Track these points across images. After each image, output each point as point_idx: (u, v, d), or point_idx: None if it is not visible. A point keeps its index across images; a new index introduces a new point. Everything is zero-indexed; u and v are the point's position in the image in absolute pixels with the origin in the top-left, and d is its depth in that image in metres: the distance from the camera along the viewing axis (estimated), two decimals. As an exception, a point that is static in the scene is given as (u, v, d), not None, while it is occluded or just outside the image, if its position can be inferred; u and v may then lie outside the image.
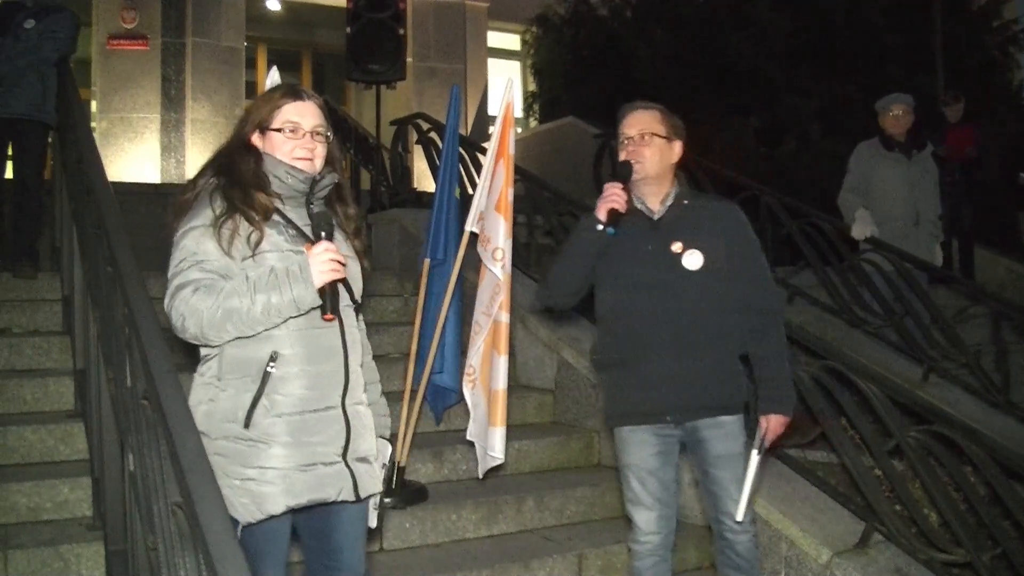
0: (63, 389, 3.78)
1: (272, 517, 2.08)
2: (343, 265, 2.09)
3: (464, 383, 3.70)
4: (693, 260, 2.68)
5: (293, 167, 2.18)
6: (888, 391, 3.49)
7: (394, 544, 3.41)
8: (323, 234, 2.09)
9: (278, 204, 2.17)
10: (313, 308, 2.08)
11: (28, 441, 3.44)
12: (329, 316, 2.07)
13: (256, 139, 2.21)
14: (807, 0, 9.30)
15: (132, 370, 2.33)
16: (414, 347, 3.82)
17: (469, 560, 3.32)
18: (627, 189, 2.71)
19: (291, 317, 2.08)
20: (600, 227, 2.65)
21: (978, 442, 3.28)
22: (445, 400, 3.93)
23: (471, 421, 3.62)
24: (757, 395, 2.83)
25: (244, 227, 2.09)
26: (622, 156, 2.75)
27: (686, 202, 2.78)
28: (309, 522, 2.23)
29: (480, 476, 3.58)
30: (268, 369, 2.07)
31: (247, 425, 2.05)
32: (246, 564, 1.52)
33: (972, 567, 3.23)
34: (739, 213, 2.84)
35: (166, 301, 2.07)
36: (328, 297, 2.06)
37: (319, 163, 2.22)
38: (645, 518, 2.73)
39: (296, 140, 2.19)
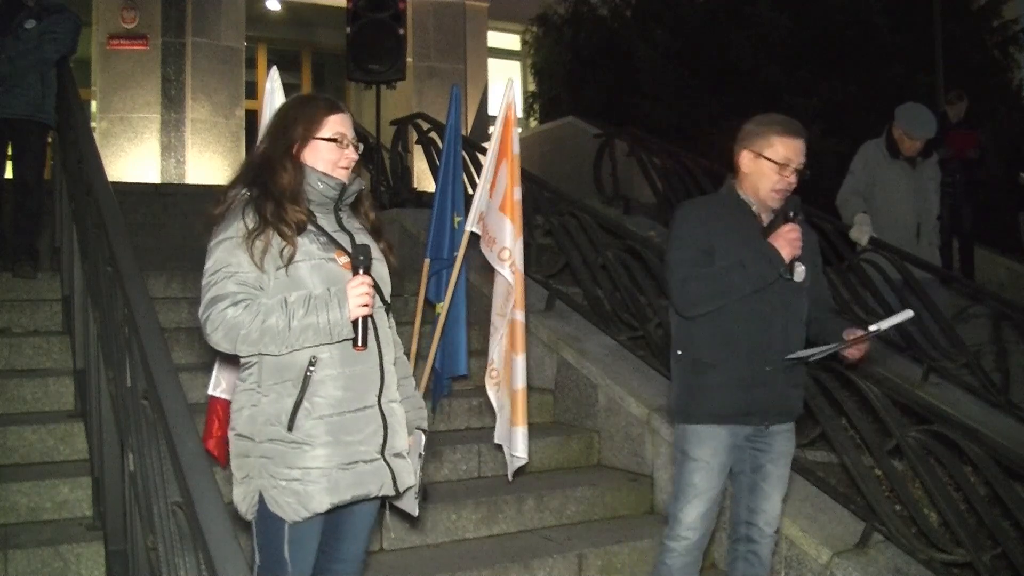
0: (63, 389, 3.78)
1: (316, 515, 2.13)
2: (372, 301, 2.16)
3: (488, 385, 3.72)
4: (800, 272, 2.76)
5: (326, 175, 2.23)
6: (888, 391, 3.49)
7: (394, 544, 3.41)
8: (360, 269, 2.15)
9: (310, 214, 2.20)
10: (345, 339, 2.13)
11: (28, 441, 3.44)
12: (360, 347, 2.14)
13: (300, 150, 2.23)
14: (807, 0, 9.29)
15: (132, 370, 2.34)
16: (414, 347, 3.82)
17: (469, 560, 3.32)
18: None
19: (324, 344, 2.12)
20: (786, 274, 2.70)
21: (978, 442, 3.29)
22: (439, 392, 3.94)
23: (498, 423, 3.64)
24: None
25: (277, 241, 2.12)
26: (777, 180, 2.73)
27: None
28: (326, 514, 2.24)
29: (510, 478, 3.63)
30: (308, 373, 2.12)
31: (291, 428, 2.10)
32: (246, 564, 1.52)
33: (972, 567, 3.23)
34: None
35: (201, 311, 2.11)
36: (360, 329, 2.13)
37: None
38: (695, 512, 2.76)
39: (343, 150, 2.25)
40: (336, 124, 2.25)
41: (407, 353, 3.92)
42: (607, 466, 4.21)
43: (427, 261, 3.89)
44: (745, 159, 2.80)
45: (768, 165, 2.74)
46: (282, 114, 2.31)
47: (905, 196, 5.32)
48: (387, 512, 2.40)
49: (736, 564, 2.89)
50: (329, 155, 2.23)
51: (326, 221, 2.24)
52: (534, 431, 4.30)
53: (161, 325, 2.28)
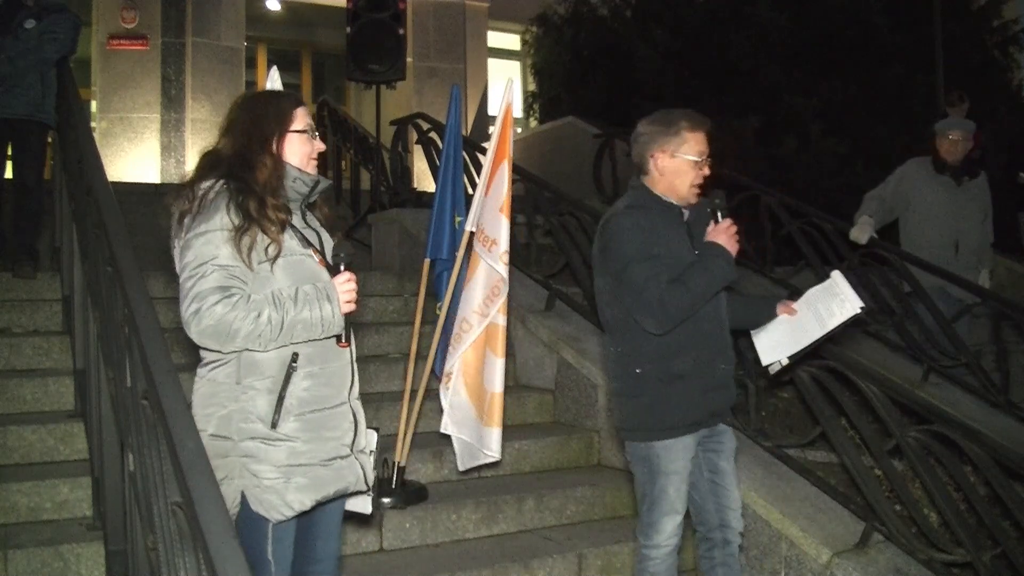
0: (63, 389, 3.78)
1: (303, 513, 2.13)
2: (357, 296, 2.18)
3: (440, 382, 3.69)
4: None
5: (302, 171, 2.23)
6: (888, 391, 3.49)
7: (394, 544, 3.41)
8: (342, 266, 2.16)
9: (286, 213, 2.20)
10: (331, 336, 2.15)
11: (28, 441, 3.44)
12: (345, 344, 2.17)
13: (275, 145, 2.22)
14: (807, 0, 9.28)
15: (132, 370, 2.33)
16: (414, 347, 3.82)
17: (469, 560, 3.32)
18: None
19: (311, 340, 2.13)
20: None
21: (978, 442, 3.28)
22: None
23: (445, 416, 3.61)
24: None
25: (262, 238, 2.10)
26: (695, 176, 2.76)
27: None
28: (299, 516, 2.24)
29: (461, 468, 3.59)
30: (291, 370, 2.12)
31: (274, 426, 2.08)
32: (246, 564, 1.52)
33: (972, 567, 3.23)
34: None
35: (186, 304, 2.06)
36: (346, 325, 2.16)
37: None
38: (673, 524, 2.77)
39: (313, 142, 2.26)
40: (304, 116, 2.27)
41: (406, 353, 3.95)
42: (607, 466, 4.21)
43: (427, 261, 3.89)
44: (661, 160, 2.77)
45: (686, 163, 2.75)
46: (248, 110, 2.26)
47: (943, 213, 5.20)
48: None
49: (716, 571, 2.87)
50: (302, 147, 2.23)
51: (295, 218, 2.24)
52: (534, 431, 4.31)
53: (161, 325, 2.27)
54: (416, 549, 3.43)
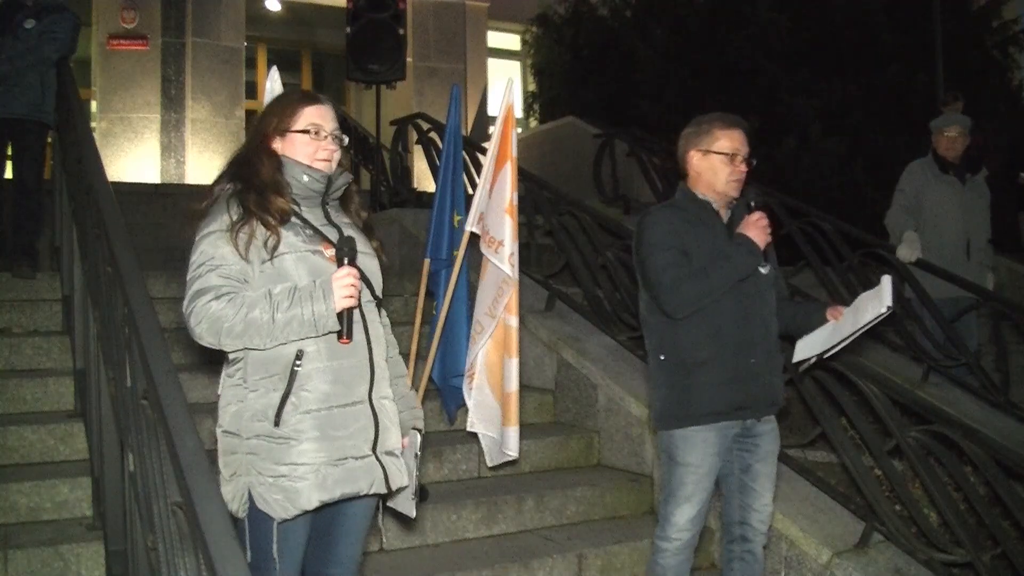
0: (63, 389, 3.78)
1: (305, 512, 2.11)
2: (358, 292, 2.16)
3: (464, 380, 3.72)
4: (766, 265, 2.85)
5: (311, 167, 2.23)
6: (888, 391, 3.49)
7: (394, 544, 3.41)
8: (345, 260, 2.15)
9: (294, 206, 2.21)
10: (330, 332, 2.12)
11: (28, 441, 3.44)
12: (345, 340, 2.13)
13: (275, 143, 2.24)
14: (807, 0, 9.28)
15: (132, 370, 2.34)
16: (414, 347, 3.82)
17: (469, 560, 3.32)
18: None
19: (310, 337, 2.11)
20: (762, 263, 2.79)
21: (978, 442, 3.29)
22: (458, 399, 3.93)
23: (471, 415, 3.65)
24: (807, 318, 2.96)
25: (261, 231, 2.12)
26: (730, 172, 2.80)
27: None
28: (317, 515, 2.23)
29: (489, 464, 3.65)
30: (295, 367, 2.11)
31: (277, 423, 2.08)
32: (246, 564, 1.52)
33: (972, 567, 3.23)
34: None
35: (185, 304, 2.11)
36: (346, 321, 2.12)
37: (335, 164, 2.28)
38: (685, 517, 2.78)
39: (319, 142, 2.24)
40: (311, 116, 2.25)
41: (406, 353, 3.95)
42: (607, 466, 4.21)
43: (427, 261, 3.89)
44: (694, 159, 2.86)
45: (718, 159, 2.82)
46: (261, 114, 2.35)
47: (954, 212, 5.16)
48: (380, 514, 2.37)
49: (732, 564, 2.90)
50: (305, 147, 2.23)
51: (312, 215, 2.24)
52: (534, 431, 4.31)
53: (161, 325, 2.28)
54: (416, 549, 3.42)
